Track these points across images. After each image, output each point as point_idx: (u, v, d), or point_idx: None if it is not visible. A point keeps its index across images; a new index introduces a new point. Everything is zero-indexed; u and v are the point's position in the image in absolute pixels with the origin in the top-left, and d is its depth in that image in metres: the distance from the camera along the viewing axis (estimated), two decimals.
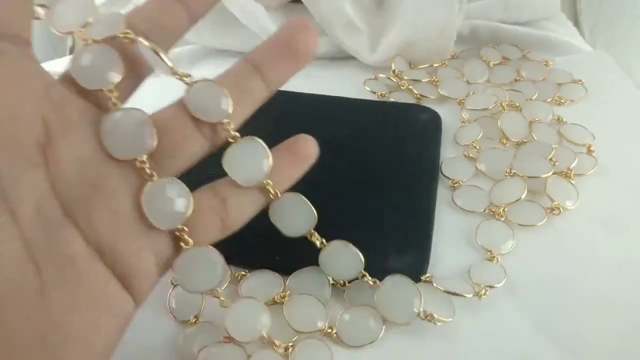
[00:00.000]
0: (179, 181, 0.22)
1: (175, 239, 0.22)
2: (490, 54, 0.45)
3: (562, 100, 0.41)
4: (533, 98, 0.41)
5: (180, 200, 0.22)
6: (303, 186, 0.32)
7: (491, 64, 0.44)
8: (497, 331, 0.27)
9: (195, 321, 0.28)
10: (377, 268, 0.29)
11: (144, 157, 0.21)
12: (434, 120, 0.39)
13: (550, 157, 0.35)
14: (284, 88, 0.40)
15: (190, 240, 0.22)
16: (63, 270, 0.19)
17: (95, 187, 0.20)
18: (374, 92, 0.42)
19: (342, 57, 0.47)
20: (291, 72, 0.24)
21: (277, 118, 0.38)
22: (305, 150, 0.24)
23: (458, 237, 0.32)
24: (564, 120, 0.39)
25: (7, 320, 0.18)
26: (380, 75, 0.44)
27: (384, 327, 0.27)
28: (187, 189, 0.22)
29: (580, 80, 0.42)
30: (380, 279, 0.28)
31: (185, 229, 0.22)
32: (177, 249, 0.22)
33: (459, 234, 0.32)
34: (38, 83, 0.21)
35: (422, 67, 0.45)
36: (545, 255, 0.30)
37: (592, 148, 0.36)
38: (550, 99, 0.41)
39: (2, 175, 0.19)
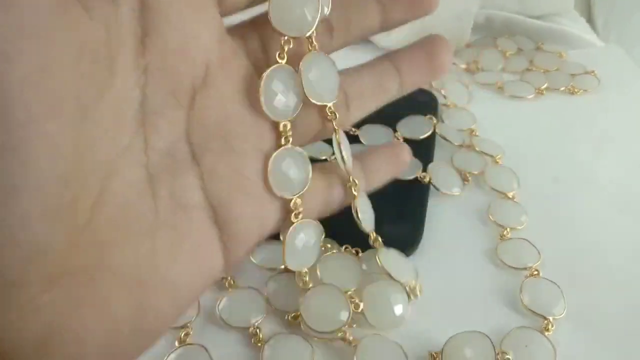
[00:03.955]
0: (303, 151, 0.22)
1: (286, 210, 0.22)
2: (507, 44, 0.46)
3: (575, 90, 0.41)
4: (542, 88, 0.41)
5: (302, 171, 0.22)
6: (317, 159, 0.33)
7: (507, 54, 0.45)
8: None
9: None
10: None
11: (288, 123, 0.22)
12: (431, 101, 0.39)
13: None
14: None
15: (301, 215, 0.22)
16: (177, 216, 0.18)
17: (228, 143, 0.20)
18: None
19: None
20: (423, 83, 0.26)
21: None
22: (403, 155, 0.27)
23: (459, 211, 0.32)
24: None
25: (114, 247, 0.17)
26: None
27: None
28: (308, 160, 0.23)
29: (593, 72, 0.42)
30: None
31: (299, 201, 0.22)
32: (285, 220, 0.22)
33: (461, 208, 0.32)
34: (217, 24, 0.20)
35: None
36: (559, 231, 0.30)
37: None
38: (563, 88, 0.41)
39: (149, 103, 0.18)
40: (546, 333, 0.25)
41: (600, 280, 0.28)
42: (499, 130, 0.37)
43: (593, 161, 0.35)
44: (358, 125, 0.36)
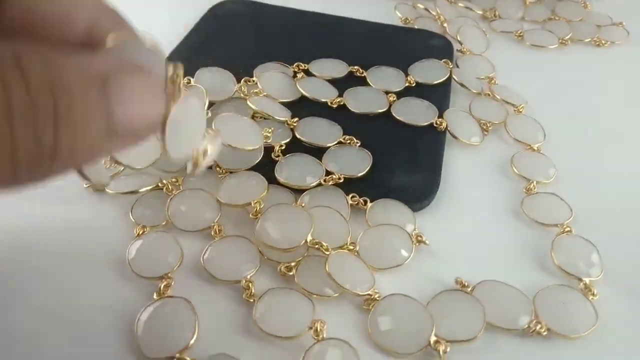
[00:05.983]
0: None
1: None
2: None
3: (602, 42, 0.38)
4: (566, 38, 0.37)
5: None
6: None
7: (527, 2, 0.41)
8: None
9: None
10: (387, 185, 0.26)
11: None
12: (445, 47, 0.36)
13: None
14: (301, 7, 0.38)
15: None
16: None
17: None
18: (401, 17, 0.39)
19: None
20: None
21: (292, 35, 0.36)
22: None
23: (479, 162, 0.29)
24: None
25: None
26: (419, 5, 0.40)
27: (413, 248, 0.23)
28: None
29: (621, 23, 0.39)
30: (389, 197, 0.25)
31: None
32: None
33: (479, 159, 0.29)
34: None
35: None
36: (590, 186, 0.27)
37: None
38: (588, 40, 0.38)
39: None
40: (591, 298, 0.22)
41: (638, 238, 0.25)
42: (520, 79, 0.34)
43: (623, 114, 0.32)
44: (366, 67, 0.32)
